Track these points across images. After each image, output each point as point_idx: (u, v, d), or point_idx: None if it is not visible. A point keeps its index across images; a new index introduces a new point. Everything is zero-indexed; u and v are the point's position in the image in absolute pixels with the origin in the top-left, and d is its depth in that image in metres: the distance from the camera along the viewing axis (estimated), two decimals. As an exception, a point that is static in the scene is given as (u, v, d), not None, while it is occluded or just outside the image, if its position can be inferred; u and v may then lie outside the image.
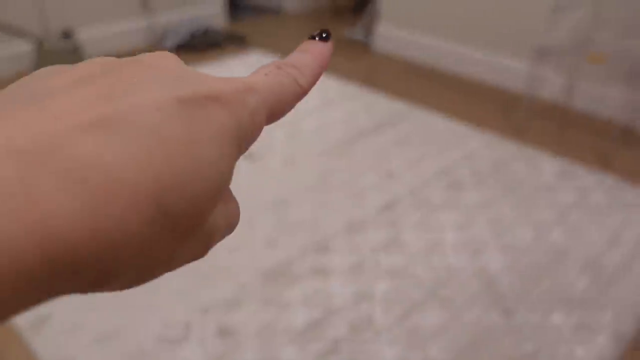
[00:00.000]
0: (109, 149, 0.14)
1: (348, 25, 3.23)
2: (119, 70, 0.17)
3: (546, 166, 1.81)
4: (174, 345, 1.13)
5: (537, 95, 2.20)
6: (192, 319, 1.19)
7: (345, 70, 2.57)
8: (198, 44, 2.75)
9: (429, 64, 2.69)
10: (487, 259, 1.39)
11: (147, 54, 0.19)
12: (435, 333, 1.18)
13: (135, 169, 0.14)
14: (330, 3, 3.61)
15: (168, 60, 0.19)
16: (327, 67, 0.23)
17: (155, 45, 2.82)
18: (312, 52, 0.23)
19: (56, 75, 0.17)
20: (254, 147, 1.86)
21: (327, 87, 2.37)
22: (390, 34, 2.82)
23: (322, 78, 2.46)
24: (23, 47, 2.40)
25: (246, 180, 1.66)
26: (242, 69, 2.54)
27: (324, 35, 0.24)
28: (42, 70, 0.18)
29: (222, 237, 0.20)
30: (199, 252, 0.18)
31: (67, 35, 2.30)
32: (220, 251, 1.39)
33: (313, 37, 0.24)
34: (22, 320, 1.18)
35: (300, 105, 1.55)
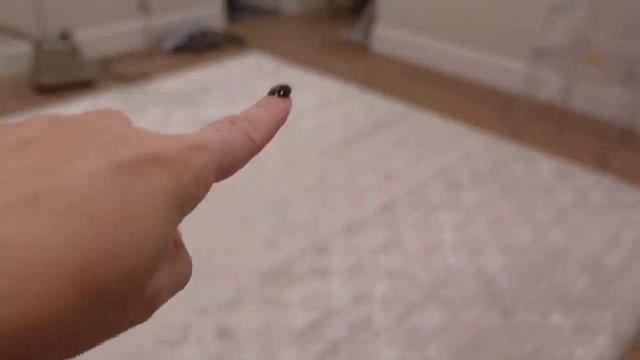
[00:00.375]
0: (32, 228, 0.14)
1: (346, 26, 3.23)
2: (60, 134, 0.17)
3: (544, 166, 1.81)
4: (173, 346, 1.13)
5: (535, 96, 2.21)
6: (191, 319, 1.18)
7: (344, 71, 2.58)
8: (196, 45, 2.75)
9: (427, 65, 2.69)
10: (486, 259, 1.39)
11: (93, 112, 0.19)
12: (435, 333, 1.18)
13: (60, 247, 0.14)
14: (329, 4, 3.61)
15: (112, 120, 0.18)
16: (283, 123, 0.23)
17: (153, 46, 2.82)
18: (270, 107, 0.23)
19: None
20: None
21: (326, 88, 2.37)
22: (389, 34, 2.82)
23: (320, 79, 2.46)
24: (21, 48, 2.40)
25: (244, 181, 1.66)
26: (240, 70, 2.54)
27: (283, 92, 0.24)
28: None
29: (171, 295, 0.19)
30: (143, 316, 0.18)
31: (65, 36, 2.30)
32: (219, 252, 1.39)
33: (273, 93, 0.24)
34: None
35: (298, 106, 1.54)
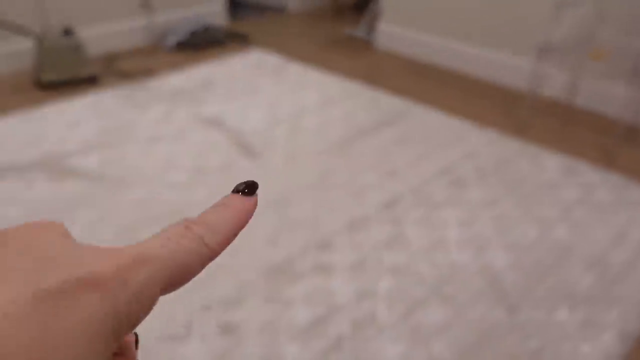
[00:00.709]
0: None
1: (350, 23, 3.21)
2: None
3: (549, 163, 1.80)
4: (176, 342, 1.12)
5: (540, 93, 2.19)
6: (194, 316, 1.18)
7: (347, 67, 2.56)
8: (199, 42, 2.74)
9: (430, 61, 2.68)
10: (490, 256, 1.38)
11: (29, 225, 0.18)
12: (439, 330, 1.17)
13: None
14: (332, 1, 3.60)
15: (46, 235, 0.17)
16: (246, 224, 0.21)
17: (156, 43, 2.81)
18: (232, 207, 0.21)
19: None
20: (254, 144, 1.85)
21: (328, 84, 2.36)
22: (392, 31, 2.80)
23: (323, 76, 2.45)
24: (23, 45, 2.39)
25: (246, 177, 1.65)
26: (242, 67, 2.53)
27: (247, 190, 0.22)
28: None
29: None
30: None
31: (67, 32, 2.29)
32: (221, 248, 1.38)
33: (237, 191, 0.22)
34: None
35: (301, 103, 1.55)
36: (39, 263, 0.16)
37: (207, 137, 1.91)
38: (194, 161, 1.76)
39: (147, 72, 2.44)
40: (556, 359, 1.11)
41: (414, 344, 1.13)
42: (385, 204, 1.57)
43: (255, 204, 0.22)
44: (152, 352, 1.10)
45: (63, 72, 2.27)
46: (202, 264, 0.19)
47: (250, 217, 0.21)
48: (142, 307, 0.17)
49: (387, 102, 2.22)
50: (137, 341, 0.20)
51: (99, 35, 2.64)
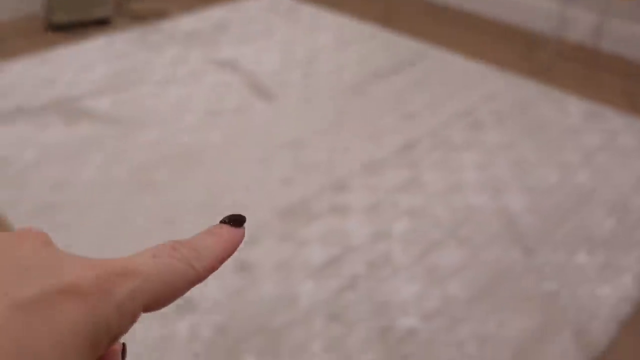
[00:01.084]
0: None
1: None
2: None
3: (572, 108, 1.75)
4: (192, 280, 1.13)
5: (564, 36, 2.11)
6: (210, 255, 1.18)
7: (362, 9, 2.48)
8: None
9: (448, 2, 2.58)
10: (508, 199, 1.36)
11: (8, 235, 0.17)
12: (454, 272, 1.16)
13: None
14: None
15: (25, 245, 0.17)
16: (232, 254, 0.21)
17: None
18: (220, 236, 0.21)
19: None
20: (269, 86, 1.82)
21: (343, 26, 2.29)
22: (411, -28, 2.69)
23: (337, 17, 2.37)
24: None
25: (261, 119, 1.63)
26: (257, 9, 2.46)
27: (234, 222, 0.22)
28: None
29: None
30: None
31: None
32: (236, 189, 1.37)
33: (224, 222, 0.22)
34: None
35: (315, 46, 1.50)
36: (17, 273, 0.16)
37: (221, 79, 1.88)
38: (208, 103, 1.74)
39: (160, 14, 2.39)
40: (572, 301, 1.10)
41: (428, 284, 1.13)
42: (402, 147, 1.54)
43: (243, 236, 0.22)
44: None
45: (74, 13, 2.23)
46: (187, 286, 0.19)
47: (237, 248, 0.22)
48: (124, 319, 0.17)
49: (403, 45, 2.15)
50: (124, 350, 0.20)
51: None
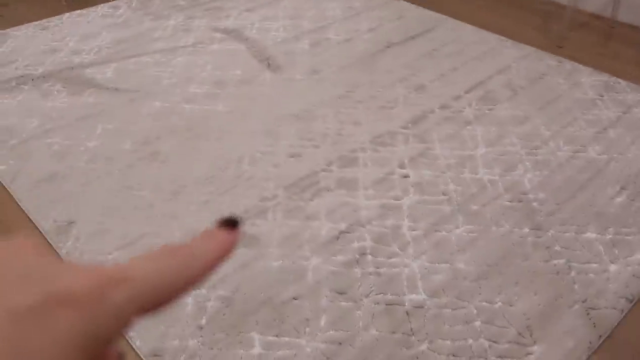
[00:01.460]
0: None
1: None
2: None
3: (586, 80, 1.70)
4: (198, 252, 1.12)
5: (580, 6, 2.05)
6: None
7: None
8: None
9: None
10: (519, 174, 1.34)
11: (7, 243, 0.18)
12: (463, 246, 1.15)
13: None
14: None
15: (19, 254, 0.17)
16: (228, 256, 0.21)
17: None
18: (216, 239, 0.21)
19: None
20: (276, 57, 1.78)
21: (354, -5, 2.23)
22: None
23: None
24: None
25: (267, 90, 1.60)
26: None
27: (230, 225, 0.22)
28: None
29: None
30: None
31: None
32: (244, 161, 1.35)
33: (220, 225, 0.22)
34: (48, 225, 1.18)
35: (324, 15, 1.45)
36: (11, 282, 0.16)
37: (226, 48, 1.84)
38: (213, 73, 1.70)
39: (164, -19, 2.33)
40: (582, 277, 1.09)
41: (437, 258, 1.12)
42: (412, 119, 1.51)
43: (239, 238, 0.22)
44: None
45: (77, -20, 2.18)
46: (183, 289, 0.19)
47: (233, 251, 0.21)
48: (118, 324, 0.17)
49: (415, 15, 2.10)
50: (120, 358, 0.20)
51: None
